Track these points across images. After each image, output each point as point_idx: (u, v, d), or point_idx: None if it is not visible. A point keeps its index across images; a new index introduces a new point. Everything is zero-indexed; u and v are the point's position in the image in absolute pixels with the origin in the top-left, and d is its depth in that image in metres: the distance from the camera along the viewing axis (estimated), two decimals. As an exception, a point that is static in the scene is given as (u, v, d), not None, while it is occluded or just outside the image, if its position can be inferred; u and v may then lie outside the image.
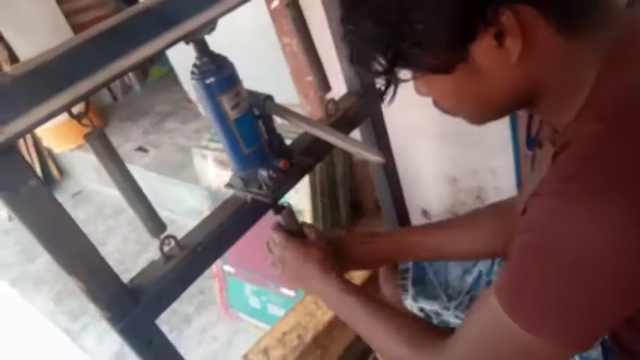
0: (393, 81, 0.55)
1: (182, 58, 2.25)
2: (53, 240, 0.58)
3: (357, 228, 1.69)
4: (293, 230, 0.85)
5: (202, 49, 0.68)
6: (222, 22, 0.67)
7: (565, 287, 0.45)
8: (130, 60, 0.58)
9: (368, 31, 0.50)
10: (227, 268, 1.71)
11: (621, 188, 0.42)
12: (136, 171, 2.39)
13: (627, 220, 0.41)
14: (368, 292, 0.77)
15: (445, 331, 0.65)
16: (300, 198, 1.44)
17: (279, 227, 0.86)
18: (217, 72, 0.68)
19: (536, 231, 0.46)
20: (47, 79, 0.51)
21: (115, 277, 0.67)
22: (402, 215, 1.17)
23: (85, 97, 0.54)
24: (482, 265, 0.89)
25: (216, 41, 0.69)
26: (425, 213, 1.50)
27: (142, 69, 3.20)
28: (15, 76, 0.49)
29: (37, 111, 0.51)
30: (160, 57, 2.94)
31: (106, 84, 0.55)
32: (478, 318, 0.55)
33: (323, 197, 1.47)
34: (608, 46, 0.47)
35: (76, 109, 0.56)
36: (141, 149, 2.59)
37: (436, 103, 0.59)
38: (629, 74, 0.46)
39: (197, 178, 1.77)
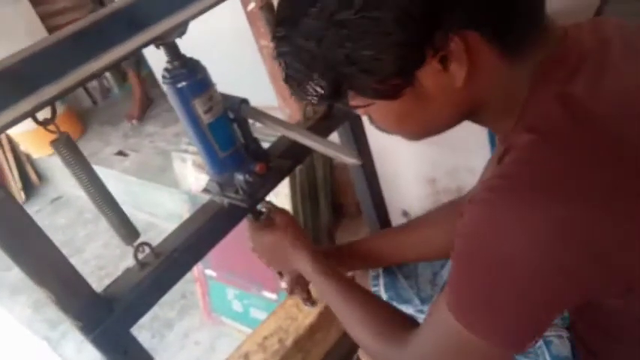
0: (336, 104, 0.54)
1: (161, 60, 2.22)
2: (21, 252, 0.57)
3: (339, 230, 1.69)
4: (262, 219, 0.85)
5: (173, 52, 0.67)
6: (199, 26, 0.66)
7: (492, 288, 0.46)
8: (98, 63, 0.56)
9: (307, 54, 0.49)
10: (209, 272, 1.69)
11: (545, 190, 0.43)
12: (116, 175, 2.36)
13: (550, 220, 0.42)
14: (340, 273, 0.78)
15: (412, 322, 0.67)
16: (280, 201, 1.44)
17: (249, 220, 0.85)
18: (189, 76, 0.67)
19: (466, 235, 0.48)
20: (10, 83, 0.50)
21: (86, 286, 0.65)
22: (382, 217, 1.17)
23: (50, 102, 0.52)
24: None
25: (192, 44, 0.68)
26: (405, 214, 1.51)
27: (121, 72, 3.15)
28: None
29: (-1, 117, 0.49)
30: (140, 60, 2.92)
31: (74, 89, 0.53)
32: (434, 318, 0.57)
33: (304, 200, 1.46)
34: (541, 61, 0.49)
35: (43, 115, 0.55)
36: (121, 153, 2.55)
37: (373, 122, 0.59)
38: (558, 82, 0.47)
39: (177, 181, 1.75)
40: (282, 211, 0.86)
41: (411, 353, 0.60)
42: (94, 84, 3.30)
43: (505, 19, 0.47)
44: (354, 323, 0.71)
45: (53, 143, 0.57)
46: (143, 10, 0.59)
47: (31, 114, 0.52)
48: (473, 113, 0.54)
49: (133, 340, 0.71)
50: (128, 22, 0.59)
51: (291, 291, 0.96)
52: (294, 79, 0.52)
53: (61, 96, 0.53)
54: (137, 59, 2.90)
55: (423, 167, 1.34)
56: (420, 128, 0.57)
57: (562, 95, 0.46)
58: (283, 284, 0.94)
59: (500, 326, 0.48)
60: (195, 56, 0.70)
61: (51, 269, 0.60)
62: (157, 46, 0.65)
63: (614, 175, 0.43)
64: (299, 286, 0.94)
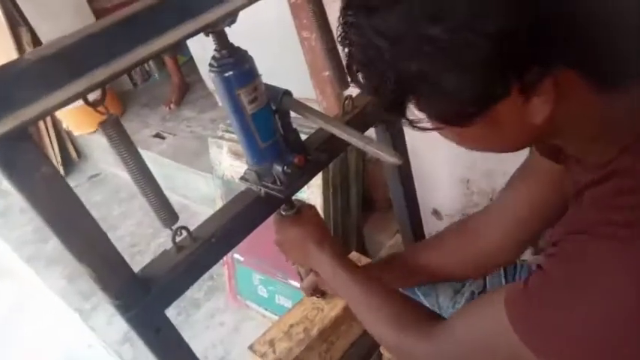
0: (400, 117, 0.49)
1: (202, 47, 2.25)
2: (65, 228, 0.58)
3: (368, 225, 1.69)
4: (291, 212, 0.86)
5: (222, 41, 0.67)
6: (241, 14, 0.66)
7: (592, 327, 0.43)
8: (148, 49, 0.57)
9: (376, 51, 0.43)
10: (237, 256, 1.72)
11: None
12: (152, 157, 2.41)
13: None
14: (362, 270, 0.78)
15: (436, 317, 0.66)
16: (312, 193, 1.44)
17: (277, 212, 0.86)
18: (236, 65, 0.68)
19: (576, 268, 0.44)
20: (64, 65, 0.51)
21: (126, 266, 0.67)
22: (413, 215, 1.17)
23: (101, 85, 0.53)
24: (475, 286, 0.88)
25: (234, 32, 0.69)
26: (436, 213, 1.49)
27: (161, 58, 3.21)
28: (32, 61, 0.48)
29: (52, 97, 0.50)
30: (180, 45, 2.97)
31: (123, 72, 0.55)
32: (477, 318, 0.55)
33: (335, 193, 1.46)
34: None
35: (92, 96, 0.56)
36: (158, 136, 2.60)
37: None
38: None
39: (211, 166, 1.78)
40: (311, 207, 0.87)
41: (437, 347, 0.59)
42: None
43: (614, 60, 0.42)
44: (376, 318, 0.70)
45: (102, 124, 0.59)
46: (197, -1, 0.60)
47: (83, 95, 0.53)
48: (549, 138, 0.50)
49: (166, 320, 0.73)
50: (180, 9, 0.60)
51: (311, 293, 0.97)
52: (355, 70, 0.47)
53: (111, 79, 0.55)
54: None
55: (458, 167, 1.33)
56: (483, 149, 0.53)
57: None
58: (303, 284, 0.95)
59: None
60: (237, 45, 0.70)
61: (93, 247, 0.62)
62: (207, 34, 0.65)
63: None
64: (317, 287, 0.95)
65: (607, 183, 0.44)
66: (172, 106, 2.85)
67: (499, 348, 0.50)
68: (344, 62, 0.48)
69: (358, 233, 1.64)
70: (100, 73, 0.54)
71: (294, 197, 0.86)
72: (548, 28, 0.39)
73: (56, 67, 0.51)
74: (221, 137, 1.69)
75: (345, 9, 0.44)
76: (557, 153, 0.58)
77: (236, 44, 0.70)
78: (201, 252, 0.75)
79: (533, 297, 0.48)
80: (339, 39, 0.46)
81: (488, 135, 0.48)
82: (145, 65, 3.41)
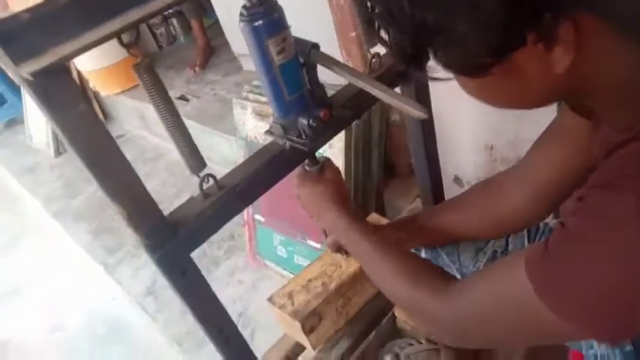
0: (420, 71, 0.49)
1: (228, 10, 2.24)
2: (100, 166, 0.61)
3: (388, 190, 1.70)
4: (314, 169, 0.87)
5: (253, -10, 0.68)
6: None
7: (613, 282, 0.43)
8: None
9: (397, 4, 0.43)
10: (258, 217, 1.76)
11: None
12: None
13: None
14: (376, 231, 0.78)
15: (451, 277, 0.65)
16: (334, 154, 1.45)
17: (302, 167, 0.87)
18: (266, 15, 0.68)
19: (596, 222, 0.44)
20: (100, 3, 0.52)
21: (156, 208, 0.69)
22: (435, 180, 1.17)
23: (135, 25, 0.54)
24: (497, 245, 0.88)
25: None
26: (457, 180, 1.49)
27: (187, 21, 3.21)
28: (69, 0, 0.50)
29: (88, 35, 0.52)
30: (206, 9, 2.95)
31: (157, 13, 0.56)
32: (497, 277, 0.55)
33: (357, 156, 1.47)
34: None
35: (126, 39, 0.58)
36: (182, 98, 2.63)
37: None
38: None
39: (235, 128, 1.80)
40: (335, 167, 0.88)
41: (453, 305, 0.59)
42: (161, 30, 3.38)
43: (634, 2, 0.41)
44: (389, 276, 0.70)
45: (135, 67, 0.60)
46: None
47: (117, 34, 0.54)
48: (577, 96, 0.49)
49: (192, 264, 0.76)
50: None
51: (336, 249, 0.99)
52: (378, 26, 0.48)
53: (145, 19, 0.55)
54: (199, 8, 2.95)
55: (483, 133, 1.31)
56: (506, 103, 0.52)
57: None
58: (328, 240, 0.97)
59: (603, 321, 0.44)
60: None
61: (127, 187, 0.65)
62: (239, -18, 0.66)
63: None
64: (336, 245, 0.96)
65: (635, 142, 0.43)
66: (197, 68, 2.86)
67: (518, 307, 0.50)
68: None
69: (378, 197, 1.65)
70: (134, 13, 0.55)
71: (322, 157, 0.87)
72: None
73: (92, 6, 0.52)
74: (245, 98, 1.70)
75: None
76: (589, 112, 0.57)
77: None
78: (226, 200, 0.77)
79: (552, 254, 0.47)
80: None
81: (508, 87, 0.48)
82: (171, 28, 3.42)
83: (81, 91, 0.55)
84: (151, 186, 2.49)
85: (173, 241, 0.72)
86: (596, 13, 0.41)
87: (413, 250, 0.94)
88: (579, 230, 0.45)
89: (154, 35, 3.39)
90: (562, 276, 0.46)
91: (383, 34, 0.48)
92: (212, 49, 3.01)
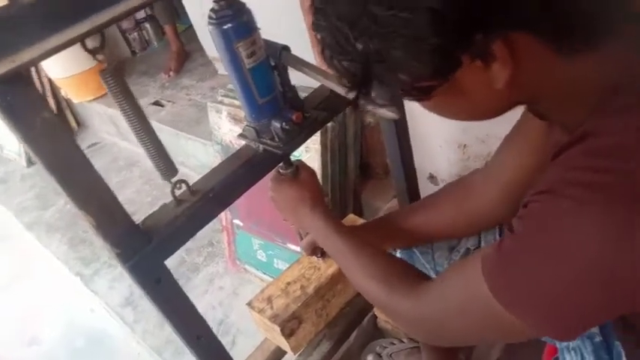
0: (367, 97, 0.51)
1: (201, 15, 2.22)
2: (66, 174, 0.59)
3: (365, 191, 1.70)
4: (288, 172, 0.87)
5: (221, -8, 0.67)
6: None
7: (556, 283, 0.44)
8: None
9: (341, 35, 0.45)
10: (236, 221, 1.74)
11: None
12: (152, 125, 2.41)
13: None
14: (353, 233, 0.78)
15: (423, 276, 0.67)
16: (310, 157, 1.45)
17: (275, 170, 0.87)
18: (235, 18, 0.68)
19: (540, 227, 0.45)
20: (64, 7, 0.51)
21: (126, 216, 0.68)
22: (410, 179, 1.18)
23: (99, 30, 0.53)
24: (470, 243, 0.89)
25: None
26: (432, 178, 1.50)
27: (160, 27, 3.17)
28: (32, 3, 0.49)
29: (49, 41, 0.51)
30: (179, 14, 2.92)
31: (123, 17, 0.55)
32: (458, 276, 0.56)
33: (333, 157, 1.47)
34: (622, 57, 0.44)
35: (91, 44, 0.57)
36: (157, 104, 2.60)
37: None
38: None
39: (211, 133, 1.78)
40: (309, 169, 0.88)
41: (421, 305, 0.60)
42: (134, 35, 3.33)
43: (567, 18, 0.42)
44: (364, 276, 0.71)
45: (102, 72, 0.59)
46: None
47: (81, 39, 0.53)
48: (527, 103, 0.51)
49: (167, 271, 0.75)
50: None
51: (311, 251, 0.99)
52: (328, 56, 0.49)
53: (110, 23, 0.55)
54: (172, 13, 2.92)
55: (455, 132, 1.33)
56: (460, 117, 0.55)
57: None
58: (303, 242, 0.97)
59: (553, 319, 0.46)
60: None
61: (94, 195, 0.63)
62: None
63: None
64: (316, 247, 0.96)
65: (578, 145, 0.44)
66: (171, 73, 2.83)
67: (477, 306, 0.51)
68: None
69: (355, 198, 1.66)
70: (97, 18, 0.54)
71: (295, 160, 0.87)
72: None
73: (53, 10, 0.51)
74: (220, 102, 1.69)
75: None
76: (542, 115, 0.58)
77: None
78: (199, 206, 0.76)
79: (504, 256, 0.49)
80: (313, 25, 0.49)
81: (457, 104, 0.50)
82: (145, 33, 3.38)
83: (46, 99, 0.53)
84: (126, 195, 2.45)
85: (145, 249, 0.70)
86: (522, 30, 0.42)
87: (389, 251, 0.94)
88: (525, 235, 0.47)
89: (127, 41, 3.34)
90: (513, 276, 0.48)
91: (335, 62, 0.49)
92: (186, 53, 2.98)
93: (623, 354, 0.62)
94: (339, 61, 0.48)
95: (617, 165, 0.41)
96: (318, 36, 0.49)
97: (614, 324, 0.66)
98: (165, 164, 0.71)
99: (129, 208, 0.68)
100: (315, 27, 0.49)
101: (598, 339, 0.63)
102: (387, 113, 0.70)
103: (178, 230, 0.74)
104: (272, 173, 0.88)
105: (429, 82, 0.46)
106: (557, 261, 0.44)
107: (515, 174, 0.74)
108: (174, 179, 0.74)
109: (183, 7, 2.38)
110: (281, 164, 0.87)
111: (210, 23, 0.70)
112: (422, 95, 0.48)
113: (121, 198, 0.66)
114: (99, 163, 2.83)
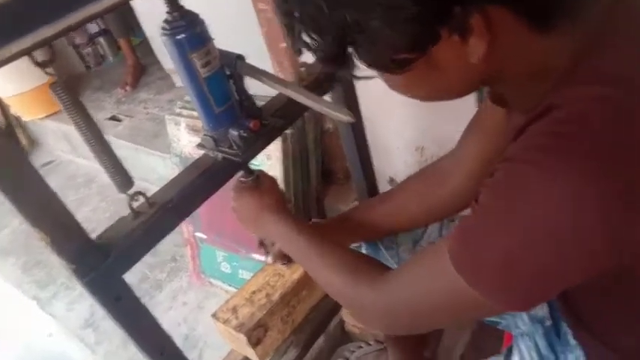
0: (346, 71, 0.50)
1: (156, 28, 2.20)
2: (15, 189, 0.57)
3: (328, 197, 1.72)
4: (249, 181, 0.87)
5: (173, 3, 0.67)
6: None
7: (515, 253, 0.45)
8: (97, 7, 0.57)
9: (314, 6, 0.44)
10: (199, 234, 1.72)
11: (602, 161, 0.40)
12: (109, 140, 2.34)
13: (602, 199, 0.40)
14: (315, 230, 0.79)
15: (388, 269, 0.67)
16: (272, 164, 1.46)
17: (237, 180, 0.87)
18: (188, 28, 0.68)
19: (502, 192, 0.46)
20: (9, 19, 0.49)
21: (81, 230, 0.66)
22: (370, 182, 1.20)
23: (47, 42, 0.52)
24: (433, 237, 0.90)
25: (187, 5, 0.69)
26: (392, 181, 1.53)
27: (115, 41, 3.11)
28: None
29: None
30: (133, 27, 2.88)
31: (71, 29, 0.54)
32: (423, 260, 0.56)
33: (295, 164, 1.48)
34: (585, 35, 0.45)
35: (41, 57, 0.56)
36: (114, 119, 2.54)
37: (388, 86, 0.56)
38: (611, 62, 0.44)
39: (170, 146, 1.76)
40: (270, 177, 0.88)
41: (388, 293, 0.60)
42: (87, 50, 3.26)
43: None
44: (329, 273, 0.71)
45: (52, 85, 0.58)
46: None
47: (27, 52, 0.51)
48: (492, 82, 0.52)
49: (126, 287, 0.73)
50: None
51: (275, 259, 0.99)
52: (298, 31, 0.48)
53: (58, 36, 0.53)
54: (126, 26, 2.87)
55: (412, 135, 1.36)
56: (430, 95, 0.55)
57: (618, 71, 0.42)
58: (267, 258, 0.98)
59: (513, 290, 0.46)
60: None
61: (46, 210, 0.61)
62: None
63: None
64: (284, 254, 0.96)
65: (541, 119, 0.45)
66: (128, 88, 2.78)
67: (441, 284, 0.51)
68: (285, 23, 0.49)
69: (318, 203, 1.67)
70: (47, 30, 0.53)
71: (256, 170, 0.87)
72: None
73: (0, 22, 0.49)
74: (179, 114, 1.67)
75: None
76: (504, 101, 0.60)
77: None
78: (157, 217, 0.75)
79: (466, 229, 0.49)
80: (276, 5, 0.48)
81: (430, 79, 0.50)
82: (99, 48, 3.30)
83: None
84: (83, 213, 2.38)
85: (103, 265, 0.68)
86: (501, 4, 0.43)
87: (353, 246, 0.95)
88: (486, 204, 0.47)
89: (81, 56, 3.26)
90: (474, 248, 0.48)
91: (306, 38, 0.48)
92: (142, 67, 2.93)
93: (569, 333, 0.64)
94: (312, 36, 0.47)
95: (577, 130, 0.41)
96: (284, 18, 0.48)
97: (564, 315, 0.69)
98: (121, 176, 0.70)
99: (87, 225, 0.66)
100: (282, 5, 0.47)
101: (549, 323, 0.66)
102: (342, 117, 0.72)
103: (136, 243, 0.73)
104: (234, 183, 0.88)
105: (407, 54, 0.46)
106: (518, 226, 0.44)
107: (479, 159, 0.76)
108: (130, 191, 0.73)
109: (137, 21, 2.36)
110: (242, 173, 0.87)
111: (163, 34, 0.69)
112: (398, 69, 0.48)
113: (79, 216, 0.64)
114: (55, 181, 2.73)
